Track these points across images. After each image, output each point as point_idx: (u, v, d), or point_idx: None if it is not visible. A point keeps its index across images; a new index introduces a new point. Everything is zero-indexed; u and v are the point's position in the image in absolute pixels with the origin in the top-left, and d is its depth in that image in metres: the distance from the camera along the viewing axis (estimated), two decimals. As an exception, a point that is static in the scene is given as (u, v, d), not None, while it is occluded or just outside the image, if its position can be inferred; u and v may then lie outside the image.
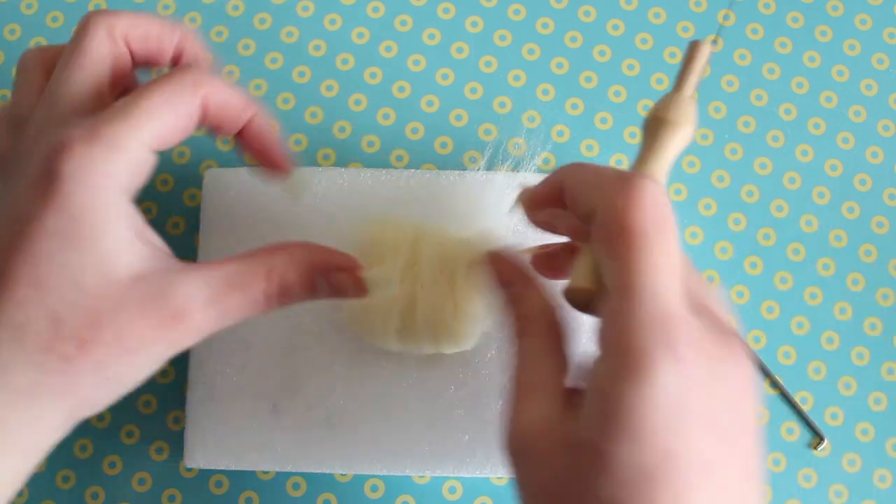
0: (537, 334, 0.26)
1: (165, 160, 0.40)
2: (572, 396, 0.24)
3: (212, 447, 0.35)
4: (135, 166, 0.27)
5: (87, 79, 0.29)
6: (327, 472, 0.35)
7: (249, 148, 0.31)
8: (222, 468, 0.35)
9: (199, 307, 0.27)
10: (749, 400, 0.24)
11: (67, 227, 0.26)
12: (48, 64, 0.32)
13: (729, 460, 0.23)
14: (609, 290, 0.23)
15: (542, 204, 0.28)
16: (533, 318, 0.27)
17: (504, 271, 0.29)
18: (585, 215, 0.25)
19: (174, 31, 0.31)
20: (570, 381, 0.25)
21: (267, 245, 0.29)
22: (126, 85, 0.31)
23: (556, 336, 0.26)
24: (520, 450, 0.24)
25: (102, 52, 0.29)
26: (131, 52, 0.30)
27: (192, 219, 0.39)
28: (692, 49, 0.27)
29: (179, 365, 0.37)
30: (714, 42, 0.28)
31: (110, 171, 0.26)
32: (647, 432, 0.22)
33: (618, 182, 0.24)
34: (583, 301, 0.26)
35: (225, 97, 0.29)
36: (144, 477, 0.37)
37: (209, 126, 0.29)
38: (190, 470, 0.37)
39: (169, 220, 0.40)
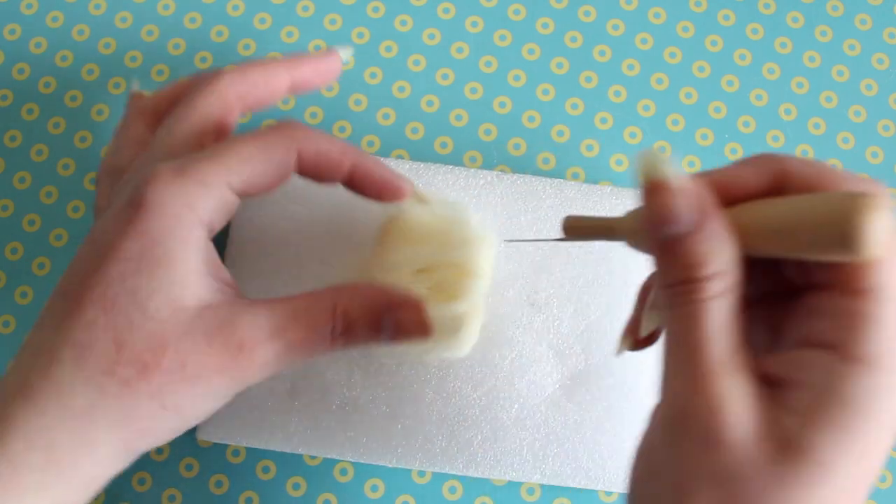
0: (723, 294, 0.21)
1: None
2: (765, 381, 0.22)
3: (225, 421, 0.35)
4: (218, 204, 0.27)
5: (192, 129, 0.30)
6: (336, 458, 0.35)
7: (360, 192, 0.31)
8: (233, 443, 0.35)
9: (262, 340, 0.27)
10: None
11: (142, 251, 0.26)
12: (148, 117, 0.34)
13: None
14: (848, 288, 0.21)
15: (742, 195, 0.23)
16: (713, 274, 0.21)
17: (672, 208, 0.22)
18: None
19: (277, 74, 0.33)
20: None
21: (333, 284, 0.29)
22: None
23: (742, 296, 0.22)
24: (703, 431, 0.21)
25: (210, 109, 0.31)
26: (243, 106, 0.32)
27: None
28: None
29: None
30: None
31: (193, 204, 0.27)
32: (877, 454, 0.21)
33: (856, 178, 0.22)
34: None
35: (321, 149, 0.29)
36: (144, 477, 0.37)
37: (309, 176, 0.30)
38: (189, 469, 0.37)
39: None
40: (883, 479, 0.38)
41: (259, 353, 0.27)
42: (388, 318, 0.29)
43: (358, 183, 0.31)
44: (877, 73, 0.42)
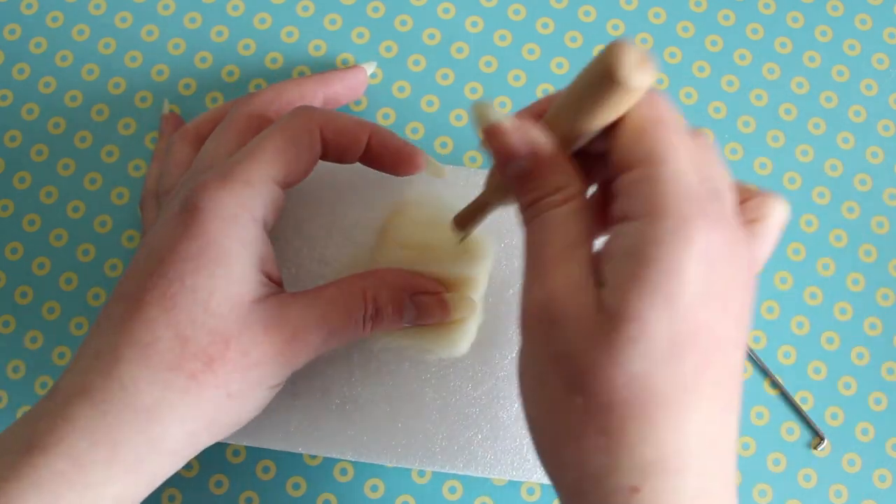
0: (563, 203, 0.24)
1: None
2: (595, 263, 0.24)
3: None
4: (266, 201, 0.29)
5: (232, 144, 0.31)
6: (337, 457, 0.35)
7: (377, 166, 0.33)
8: (233, 443, 0.35)
9: (311, 327, 0.29)
10: (751, 290, 0.23)
11: (200, 252, 0.27)
12: (191, 140, 0.35)
13: (737, 346, 0.23)
14: (631, 163, 0.23)
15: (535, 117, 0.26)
16: (556, 190, 0.24)
17: (509, 146, 0.25)
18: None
19: (311, 92, 0.35)
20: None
21: (359, 272, 0.31)
22: None
23: (583, 202, 0.25)
24: (545, 316, 0.23)
25: (250, 124, 0.32)
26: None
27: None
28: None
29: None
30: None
31: (244, 204, 0.28)
32: (684, 300, 0.21)
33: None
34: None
35: (339, 126, 0.31)
36: (144, 477, 0.37)
37: (331, 157, 0.31)
38: (189, 469, 0.37)
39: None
40: (883, 478, 0.38)
41: (309, 339, 0.29)
42: (410, 300, 0.31)
43: (376, 156, 0.32)
44: (877, 73, 0.42)
